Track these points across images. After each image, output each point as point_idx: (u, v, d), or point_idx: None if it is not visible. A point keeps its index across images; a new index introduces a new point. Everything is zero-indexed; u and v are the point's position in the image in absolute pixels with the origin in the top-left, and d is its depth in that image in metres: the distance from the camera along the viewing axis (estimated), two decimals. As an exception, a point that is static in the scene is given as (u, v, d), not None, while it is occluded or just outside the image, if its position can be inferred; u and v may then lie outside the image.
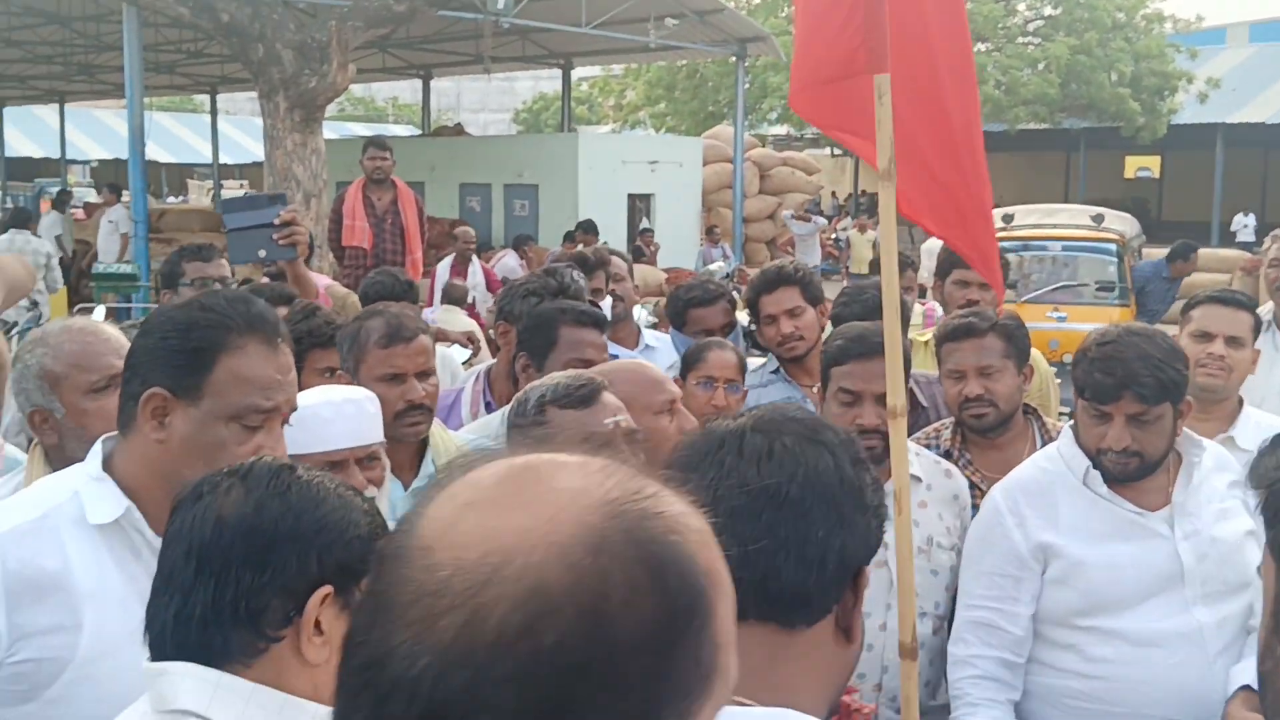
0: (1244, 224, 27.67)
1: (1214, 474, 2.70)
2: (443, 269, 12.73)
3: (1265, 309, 4.61)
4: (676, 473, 1.26)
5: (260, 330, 1.89)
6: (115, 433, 1.95)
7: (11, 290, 0.85)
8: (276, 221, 4.02)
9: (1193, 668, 2.51)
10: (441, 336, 5.90)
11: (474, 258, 12.91)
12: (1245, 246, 24.46)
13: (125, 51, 12.46)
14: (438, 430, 3.00)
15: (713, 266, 14.86)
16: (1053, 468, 2.73)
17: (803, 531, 1.25)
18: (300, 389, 2.95)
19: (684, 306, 4.15)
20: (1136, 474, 2.61)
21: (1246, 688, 2.46)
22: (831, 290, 4.76)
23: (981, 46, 29.56)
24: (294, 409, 1.97)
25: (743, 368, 3.42)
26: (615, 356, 4.20)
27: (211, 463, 1.79)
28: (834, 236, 25.12)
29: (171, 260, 4.39)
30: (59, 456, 2.32)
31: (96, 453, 1.92)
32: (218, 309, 1.89)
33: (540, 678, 0.70)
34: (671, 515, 0.78)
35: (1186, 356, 2.70)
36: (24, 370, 2.37)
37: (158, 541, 1.83)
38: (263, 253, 4.08)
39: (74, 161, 36.43)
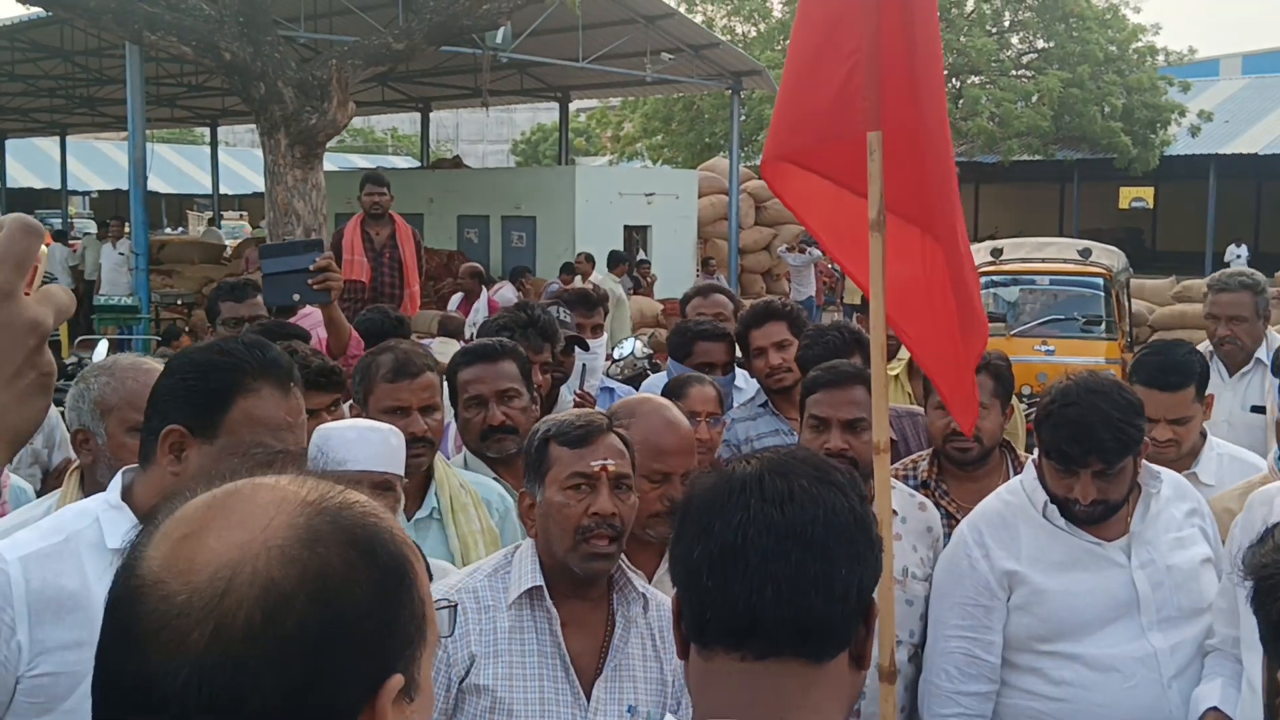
0: (1236, 254, 27.81)
1: (1172, 503, 2.83)
2: (453, 304, 12.91)
3: (1204, 345, 4.73)
4: (700, 514, 1.38)
5: (274, 375, 2.03)
6: (135, 465, 2.09)
7: (58, 315, 0.95)
8: (312, 268, 4.18)
9: (1148, 691, 2.64)
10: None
11: (482, 291, 13.01)
12: (1238, 277, 24.63)
13: (128, 86, 12.65)
14: (441, 464, 3.13)
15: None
16: (1015, 500, 2.87)
17: (828, 570, 1.31)
18: None
19: (692, 338, 4.26)
20: (1102, 517, 2.75)
21: (1215, 710, 2.57)
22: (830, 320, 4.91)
23: (975, 79, 29.84)
24: (303, 449, 2.10)
25: (721, 402, 3.55)
26: (612, 391, 4.34)
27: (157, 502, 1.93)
28: (832, 264, 25.27)
29: (211, 299, 4.67)
30: (90, 479, 2.49)
31: (116, 484, 2.06)
32: (235, 353, 2.04)
33: (291, 659, 0.84)
34: (362, 503, 0.92)
35: (1142, 406, 2.80)
36: (83, 391, 2.58)
37: None
38: (297, 296, 4.26)
39: (74, 192, 36.62)
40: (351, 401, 3.28)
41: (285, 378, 2.04)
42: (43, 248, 0.99)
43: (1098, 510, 2.72)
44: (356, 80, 10.19)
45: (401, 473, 2.67)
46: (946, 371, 2.99)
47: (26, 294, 0.98)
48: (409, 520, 3.01)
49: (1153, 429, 3.41)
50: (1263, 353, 4.68)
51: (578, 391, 4.03)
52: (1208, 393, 3.55)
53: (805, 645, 1.31)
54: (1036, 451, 2.89)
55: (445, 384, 3.34)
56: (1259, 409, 4.50)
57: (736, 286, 19.72)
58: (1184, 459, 3.44)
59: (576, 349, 4.17)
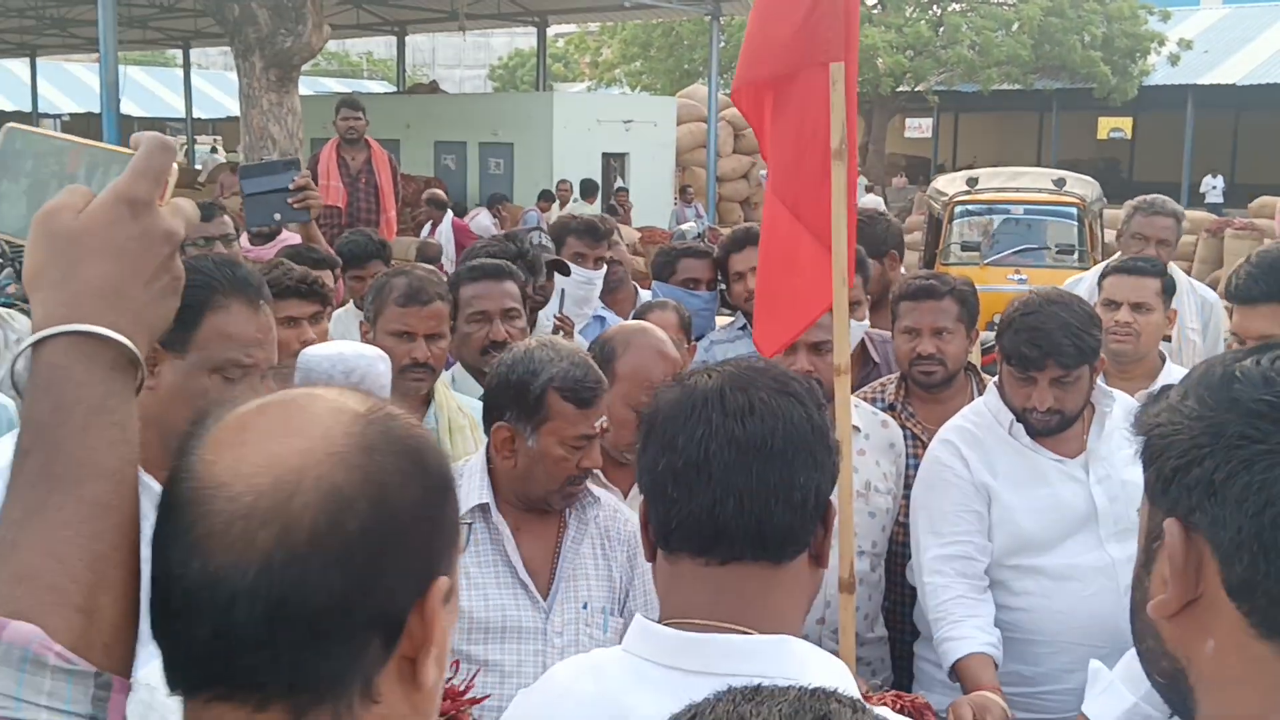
0: (1213, 185, 27.94)
1: (1123, 422, 2.93)
2: (426, 230, 12.92)
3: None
4: (665, 427, 1.45)
5: (244, 292, 2.08)
6: None
7: (188, 225, 1.05)
8: (291, 186, 4.21)
9: (1106, 598, 2.75)
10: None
11: (447, 213, 13.10)
12: (1214, 208, 24.74)
13: (99, 7, 12.46)
14: (441, 387, 3.21)
15: (685, 226, 15.02)
16: (981, 420, 2.97)
17: (788, 479, 1.38)
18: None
19: (677, 256, 4.37)
20: (1058, 429, 2.86)
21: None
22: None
23: (955, 7, 29.68)
24: (272, 366, 2.16)
25: (685, 327, 3.62)
26: (603, 320, 4.40)
27: (196, 410, 2.00)
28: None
29: None
30: None
31: None
32: (205, 271, 2.08)
33: (352, 561, 0.89)
34: (406, 418, 0.99)
35: (1100, 320, 2.93)
36: None
37: (150, 481, 2.04)
38: (278, 216, 4.28)
39: (46, 115, 36.10)
40: (363, 317, 3.34)
41: (255, 295, 2.09)
42: (175, 164, 1.07)
43: (1054, 420, 2.82)
44: (331, 1, 10.07)
45: (386, 396, 2.74)
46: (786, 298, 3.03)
47: (161, 204, 1.06)
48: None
49: (1115, 313, 3.55)
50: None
51: (557, 316, 4.09)
52: (1173, 308, 3.69)
53: (765, 550, 1.39)
54: (998, 374, 2.99)
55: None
56: (1165, 338, 4.58)
57: (714, 214, 19.72)
58: (1141, 378, 3.55)
59: (556, 274, 4.23)
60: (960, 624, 2.79)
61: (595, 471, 2.76)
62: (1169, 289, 3.70)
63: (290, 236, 5.55)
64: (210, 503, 0.89)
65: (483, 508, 2.41)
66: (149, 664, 1.72)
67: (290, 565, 0.87)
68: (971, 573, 2.88)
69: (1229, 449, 0.98)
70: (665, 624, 1.42)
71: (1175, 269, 4.86)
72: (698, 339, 3.96)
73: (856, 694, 1.38)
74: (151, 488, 2.05)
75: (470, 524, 2.37)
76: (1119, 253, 4.78)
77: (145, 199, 1.05)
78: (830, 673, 1.35)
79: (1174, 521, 1.01)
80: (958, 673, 2.73)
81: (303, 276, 3.29)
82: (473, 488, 2.42)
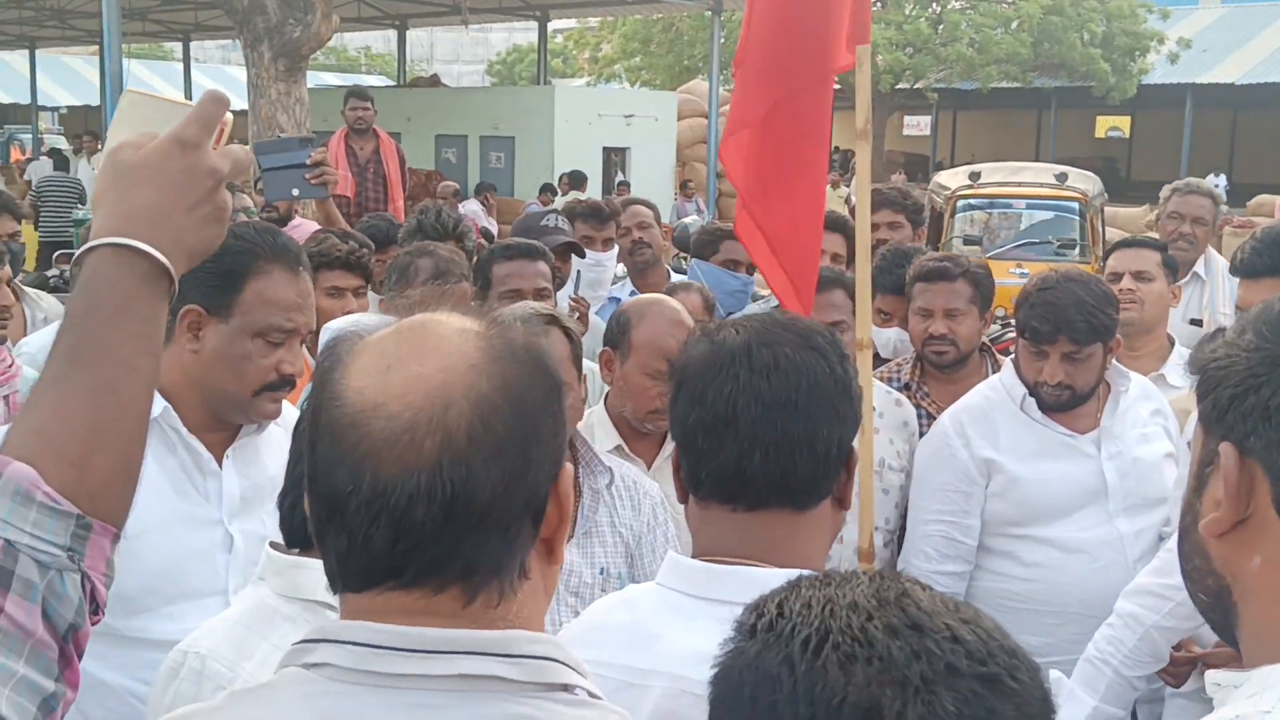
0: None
1: (1139, 402, 3.01)
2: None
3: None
4: (695, 382, 1.51)
5: (284, 258, 2.14)
6: None
7: (235, 167, 1.19)
8: (309, 161, 4.25)
9: (1114, 572, 2.82)
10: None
11: (458, 209, 13.17)
12: (1215, 207, 24.79)
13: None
14: None
15: (686, 220, 15.07)
16: (994, 395, 3.03)
17: (811, 432, 1.46)
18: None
19: (721, 236, 4.47)
20: (1069, 404, 2.92)
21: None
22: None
23: (955, 4, 29.71)
24: (311, 330, 2.22)
25: (710, 309, 3.68)
26: (619, 301, 4.46)
27: (239, 373, 2.07)
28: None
29: None
30: None
31: None
32: (248, 237, 2.14)
33: (505, 454, 1.02)
34: (519, 327, 1.11)
35: (1117, 300, 3.00)
36: None
37: (192, 440, 2.10)
38: (295, 191, 4.34)
39: (44, 108, 36.09)
40: (381, 296, 3.40)
41: (295, 262, 2.15)
42: (228, 115, 1.24)
43: (1065, 395, 2.88)
44: (338, -7, 10.11)
45: None
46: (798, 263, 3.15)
47: (215, 148, 1.23)
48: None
49: (1119, 283, 3.67)
50: (1200, 267, 4.85)
51: (573, 297, 4.15)
52: (1177, 284, 3.78)
53: (790, 498, 1.47)
54: (1014, 351, 3.06)
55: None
56: (1197, 322, 4.67)
57: (714, 209, 19.76)
58: (1150, 357, 3.62)
59: (573, 256, 4.29)
60: None
61: (622, 445, 2.82)
62: (1169, 265, 3.80)
63: (303, 223, 5.61)
64: (370, 424, 1.01)
65: None
66: (194, 628, 1.78)
67: (456, 466, 1.00)
68: (956, 554, 3.00)
69: None
70: (696, 559, 1.50)
71: (1212, 253, 4.96)
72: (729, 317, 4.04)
73: None
74: (196, 449, 2.11)
75: None
76: (1156, 235, 4.91)
77: (194, 140, 1.21)
78: None
79: (1229, 445, 1.08)
80: None
81: (351, 250, 3.38)
82: None
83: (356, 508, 1.01)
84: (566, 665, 1.06)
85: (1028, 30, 28.02)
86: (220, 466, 2.14)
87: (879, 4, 30.06)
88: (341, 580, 1.06)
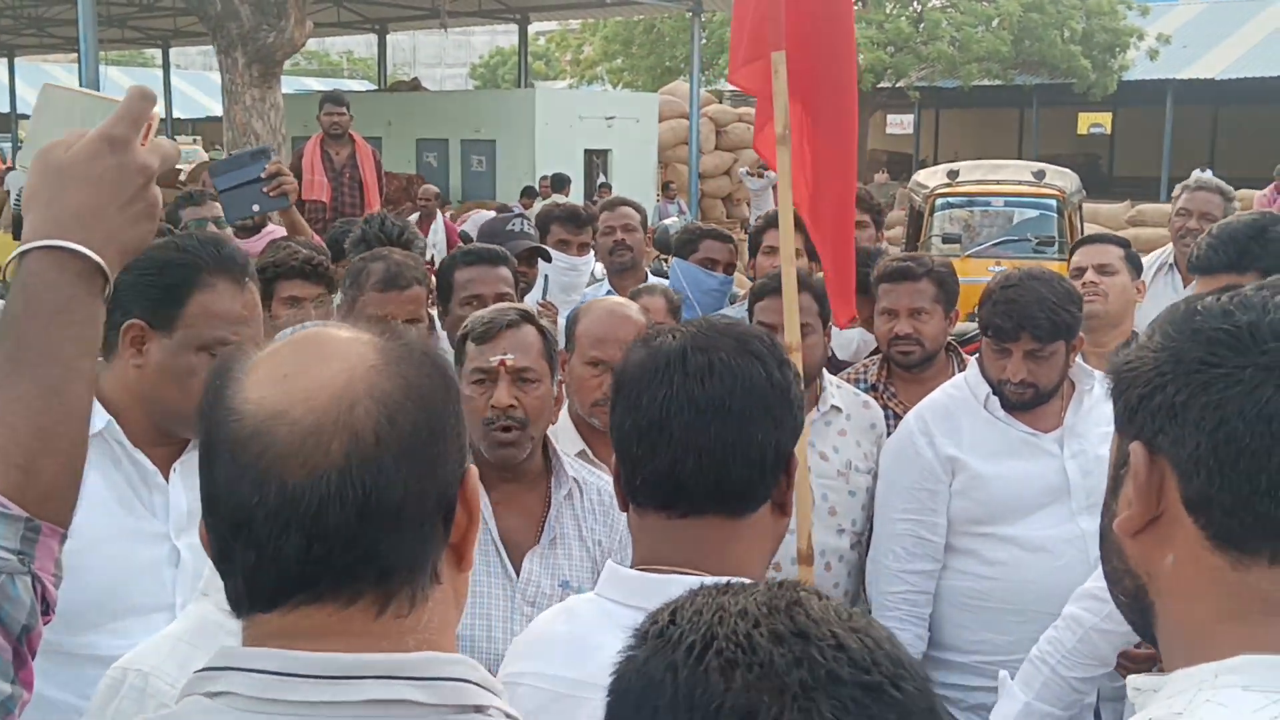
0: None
1: (1103, 401, 2.98)
2: (409, 226, 12.93)
3: (1163, 251, 4.94)
4: (630, 387, 1.50)
5: (229, 270, 2.11)
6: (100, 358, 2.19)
7: (164, 161, 1.20)
8: (264, 175, 4.22)
9: (1076, 570, 2.81)
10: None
11: (438, 214, 13.12)
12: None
13: (78, 4, 12.42)
14: None
15: (667, 221, 15.07)
16: (958, 393, 3.03)
17: (746, 437, 1.44)
18: (269, 316, 3.21)
19: (701, 235, 4.47)
20: (1032, 402, 2.92)
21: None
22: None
23: (936, 3, 29.78)
24: (258, 344, 2.19)
25: (674, 310, 3.68)
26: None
27: (183, 388, 2.05)
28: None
29: (171, 207, 4.73)
30: None
31: None
32: (191, 249, 2.12)
33: (414, 452, 1.02)
34: (413, 334, 1.12)
35: (1080, 298, 3.00)
36: None
37: (137, 454, 2.08)
38: (256, 207, 4.30)
39: (24, 116, 35.92)
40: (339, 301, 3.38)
41: (240, 273, 2.12)
42: (156, 109, 1.26)
43: (1028, 393, 2.88)
44: (313, -2, 10.08)
45: None
46: (843, 270, 3.26)
47: (143, 145, 1.23)
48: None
49: (1083, 276, 3.71)
50: None
51: (540, 302, 4.14)
52: (1142, 279, 3.81)
53: (725, 505, 1.46)
54: (980, 350, 3.06)
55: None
56: None
57: (696, 211, 19.76)
58: (1119, 335, 3.65)
59: (540, 261, 4.28)
60: (904, 626, 2.97)
61: (586, 449, 2.80)
62: (1131, 260, 3.81)
63: (276, 230, 5.59)
64: (273, 431, 0.99)
65: None
66: (134, 647, 1.76)
67: (365, 466, 0.99)
68: (923, 552, 2.99)
69: (1189, 374, 1.06)
70: (634, 569, 1.48)
71: None
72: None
73: None
74: (141, 463, 2.09)
75: None
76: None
77: (123, 138, 1.22)
78: None
79: (1139, 444, 1.09)
80: None
81: (309, 258, 3.35)
82: None
83: (265, 519, 0.99)
84: (480, 686, 1.04)
85: (1008, 28, 28.09)
86: (167, 480, 2.12)
87: (860, 4, 30.12)
88: (250, 599, 1.03)
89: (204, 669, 1.03)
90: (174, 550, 2.10)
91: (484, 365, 2.43)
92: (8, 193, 16.95)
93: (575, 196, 16.93)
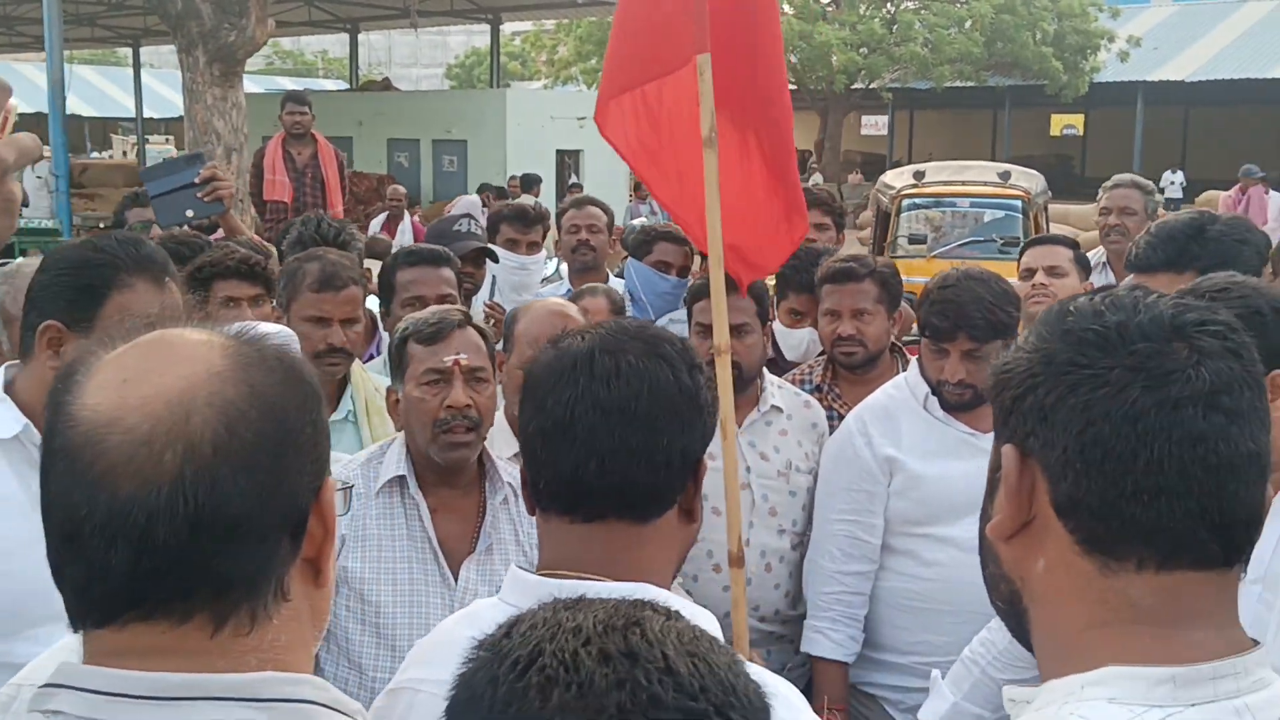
0: (1172, 181, 28.20)
1: None
2: (375, 226, 12.86)
3: (1096, 251, 4.98)
4: (536, 389, 1.48)
5: (149, 270, 2.08)
6: (17, 361, 2.15)
7: (21, 155, 1.16)
8: (198, 180, 4.16)
9: (1014, 571, 2.81)
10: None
11: (405, 214, 13.08)
12: (1174, 203, 25.04)
13: (43, 2, 12.33)
14: (358, 369, 3.22)
15: (636, 222, 15.05)
16: (898, 394, 3.02)
17: (651, 440, 1.41)
18: (209, 319, 3.18)
19: (656, 238, 4.40)
20: (971, 403, 2.91)
21: None
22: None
23: (908, 4, 29.88)
24: (106, 345, 2.15)
25: (616, 311, 3.66)
26: None
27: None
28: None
29: (119, 208, 4.67)
30: None
31: None
32: (109, 250, 2.09)
33: (257, 464, 0.97)
34: (270, 338, 1.06)
35: (1018, 298, 3.00)
36: None
37: None
38: (190, 212, 4.23)
39: (-7, 115, 35.64)
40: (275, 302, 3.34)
41: (160, 273, 2.09)
42: (12, 102, 1.20)
43: (966, 394, 2.87)
44: (277, -3, 10.02)
45: None
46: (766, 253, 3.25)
47: (0, 138, 1.19)
48: (323, 423, 3.10)
49: (1033, 278, 3.72)
50: None
51: (487, 303, 4.11)
52: (1089, 282, 3.83)
53: (629, 509, 1.43)
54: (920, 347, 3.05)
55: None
56: None
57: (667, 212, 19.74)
58: None
59: (489, 261, 4.25)
60: (836, 626, 3.00)
61: (519, 450, 2.78)
62: (1081, 262, 3.83)
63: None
64: (105, 440, 0.94)
65: (400, 480, 2.42)
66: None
67: (200, 478, 0.94)
68: (859, 554, 2.99)
69: (1058, 375, 1.05)
70: (537, 573, 1.45)
71: None
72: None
73: (720, 637, 1.42)
74: None
75: (349, 488, 2.38)
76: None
77: None
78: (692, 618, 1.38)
79: (1010, 447, 1.08)
80: (816, 667, 3.01)
81: (245, 258, 3.30)
82: (391, 461, 2.44)
83: (92, 531, 0.94)
84: (326, 707, 1.00)
85: (980, 29, 28.21)
86: None
87: (833, 5, 30.19)
88: (81, 615, 0.99)
89: (45, 685, 0.99)
90: None
91: (437, 366, 2.41)
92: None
93: (547, 197, 16.91)
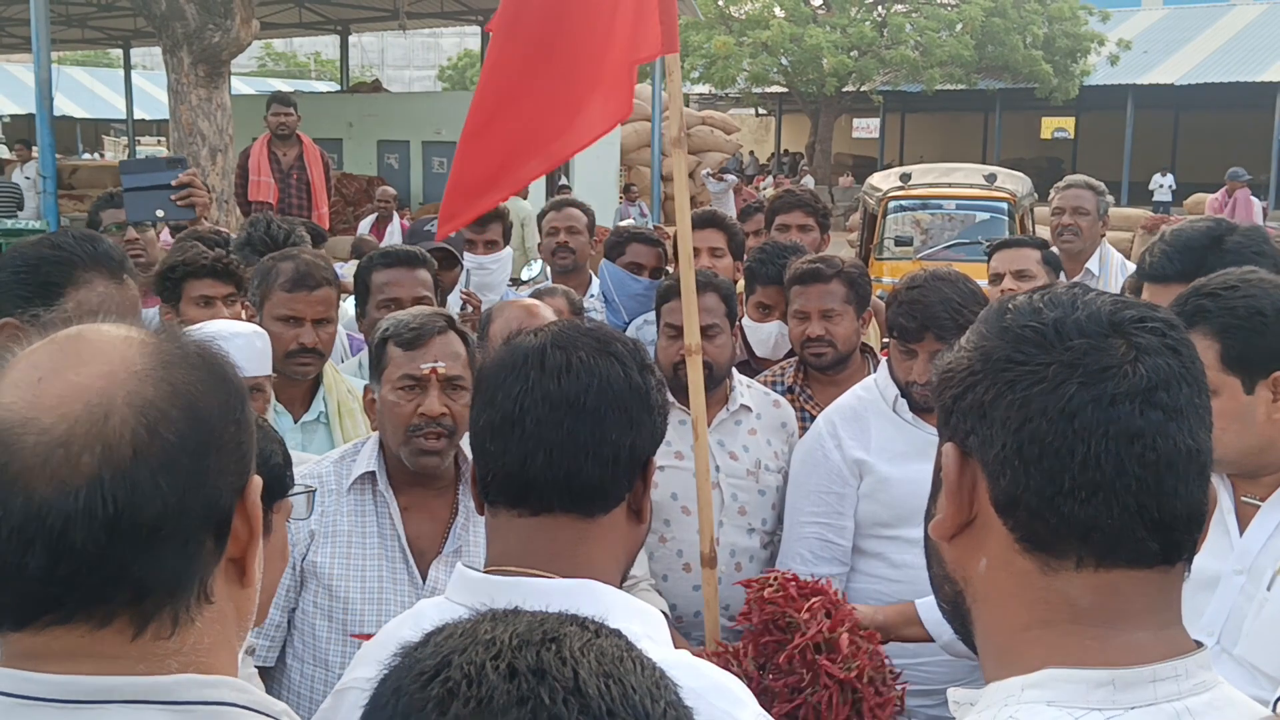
0: (1161, 183, 28.29)
1: None
2: (364, 228, 12.84)
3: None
4: (488, 384, 1.48)
5: (105, 266, 2.09)
6: None
7: None
8: (174, 184, 4.15)
9: (982, 572, 2.82)
10: (346, 289, 6.10)
11: (394, 216, 13.06)
12: (1163, 205, 25.11)
13: (31, 3, 12.28)
14: (330, 370, 3.22)
15: (625, 223, 15.06)
16: (868, 396, 3.02)
17: (599, 435, 1.42)
18: (180, 318, 3.16)
19: (628, 239, 4.41)
20: None
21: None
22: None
23: (899, 8, 29.93)
24: (19, 342, 2.14)
25: (575, 311, 3.65)
26: None
27: None
28: (757, 194, 25.44)
29: (92, 208, 4.66)
30: None
31: None
32: (66, 246, 2.09)
33: (177, 465, 0.95)
34: (193, 336, 1.05)
35: (986, 299, 3.00)
36: None
37: None
38: (160, 212, 4.22)
39: (-15, 115, 35.59)
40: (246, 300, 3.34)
41: (117, 269, 2.10)
42: None
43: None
44: (263, -2, 10.00)
45: (269, 373, 2.75)
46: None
47: None
48: (295, 423, 3.09)
49: (1001, 283, 3.69)
50: (1094, 264, 4.91)
51: (464, 291, 4.11)
52: (1060, 279, 3.83)
53: (576, 503, 1.44)
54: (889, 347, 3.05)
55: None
56: None
57: (659, 214, 19.77)
58: None
59: (466, 258, 4.27)
60: None
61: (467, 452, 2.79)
62: (1050, 262, 3.83)
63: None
64: (20, 440, 0.92)
65: (371, 476, 2.42)
66: None
67: (119, 480, 0.92)
68: (830, 556, 2.98)
69: (996, 372, 1.05)
70: (484, 571, 1.46)
71: (1107, 248, 5.03)
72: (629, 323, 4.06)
73: (665, 638, 1.41)
74: None
75: (313, 490, 2.38)
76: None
77: None
78: (635, 617, 1.37)
79: (951, 445, 1.08)
80: None
81: (218, 257, 3.30)
82: (363, 458, 2.44)
83: (8, 535, 0.91)
84: (247, 709, 0.99)
85: (971, 33, 28.28)
86: None
87: (824, 8, 30.23)
88: None
89: None
90: None
91: (414, 373, 2.41)
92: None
93: (536, 198, 16.90)
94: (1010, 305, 1.10)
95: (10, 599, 0.94)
